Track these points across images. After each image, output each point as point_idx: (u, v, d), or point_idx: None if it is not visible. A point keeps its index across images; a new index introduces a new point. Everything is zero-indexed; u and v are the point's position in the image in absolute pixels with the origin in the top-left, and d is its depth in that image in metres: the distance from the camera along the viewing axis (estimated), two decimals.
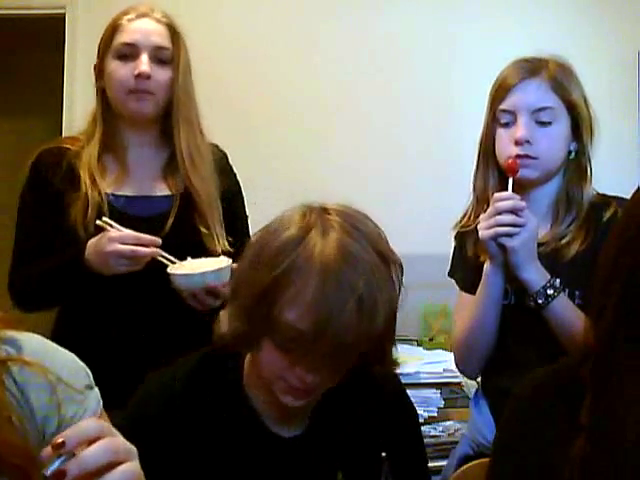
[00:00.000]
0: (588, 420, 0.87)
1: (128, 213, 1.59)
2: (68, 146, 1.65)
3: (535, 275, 1.40)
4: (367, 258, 1.02)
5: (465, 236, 1.56)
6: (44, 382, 0.82)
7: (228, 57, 3.37)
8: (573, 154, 1.49)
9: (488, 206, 1.45)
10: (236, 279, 1.13)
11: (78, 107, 3.24)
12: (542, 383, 0.98)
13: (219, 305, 1.56)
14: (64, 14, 3.42)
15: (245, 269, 1.08)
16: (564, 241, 1.45)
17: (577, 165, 1.49)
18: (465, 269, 1.57)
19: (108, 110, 1.65)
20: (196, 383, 1.13)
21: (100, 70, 1.66)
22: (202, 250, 1.59)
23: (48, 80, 3.58)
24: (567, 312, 1.38)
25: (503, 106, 1.47)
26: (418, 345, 2.88)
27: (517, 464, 0.93)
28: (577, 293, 1.42)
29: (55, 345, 0.88)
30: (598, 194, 1.51)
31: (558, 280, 1.40)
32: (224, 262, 1.54)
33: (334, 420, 1.16)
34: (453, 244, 1.63)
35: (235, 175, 1.78)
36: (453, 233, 1.60)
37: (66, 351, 0.88)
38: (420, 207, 3.22)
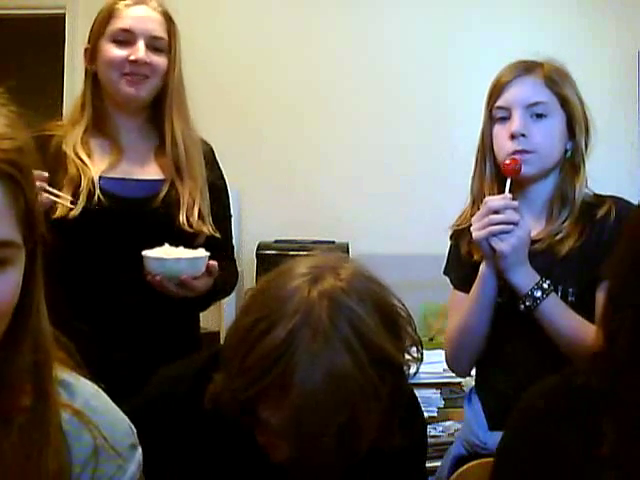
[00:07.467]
0: (612, 452, 0.85)
1: (119, 195, 1.58)
2: (52, 133, 1.61)
3: (524, 279, 1.39)
4: (356, 375, 0.93)
5: (460, 235, 1.56)
6: (89, 438, 0.78)
7: (227, 59, 3.38)
8: (569, 153, 1.50)
9: None
10: (226, 351, 1.03)
11: None
12: (553, 393, 0.96)
13: (190, 297, 1.52)
14: (64, 14, 3.42)
15: (231, 359, 1.00)
16: (558, 237, 1.45)
17: (571, 164, 1.50)
18: (459, 267, 1.57)
19: (98, 94, 1.64)
20: (202, 385, 1.07)
21: (92, 53, 1.65)
22: (183, 237, 1.55)
23: (48, 80, 3.57)
24: (557, 314, 1.38)
25: (498, 103, 1.48)
26: None
27: (523, 472, 0.92)
28: (571, 290, 1.42)
29: (106, 397, 0.83)
30: (595, 195, 1.51)
31: (547, 282, 1.39)
32: (200, 253, 1.51)
33: None
34: (449, 243, 1.63)
35: (221, 171, 1.76)
36: (449, 232, 1.61)
37: (115, 407, 0.84)
38: (420, 207, 3.22)
